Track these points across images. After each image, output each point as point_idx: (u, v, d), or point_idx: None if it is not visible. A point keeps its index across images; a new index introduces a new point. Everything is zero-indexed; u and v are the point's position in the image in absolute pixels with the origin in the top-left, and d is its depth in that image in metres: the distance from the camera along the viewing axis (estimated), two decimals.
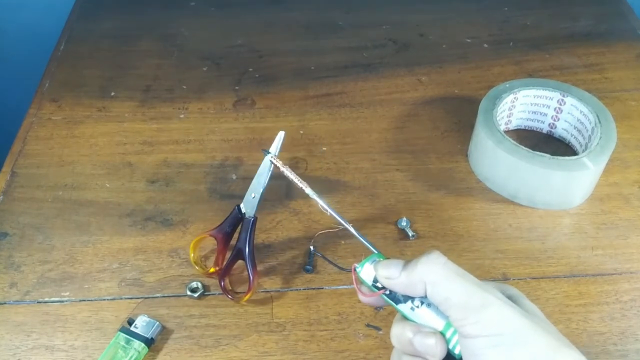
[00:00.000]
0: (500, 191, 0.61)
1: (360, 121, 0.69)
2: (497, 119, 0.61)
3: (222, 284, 0.52)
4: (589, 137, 0.61)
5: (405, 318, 0.36)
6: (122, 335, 0.48)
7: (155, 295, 0.53)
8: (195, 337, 0.50)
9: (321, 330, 0.50)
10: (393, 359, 0.37)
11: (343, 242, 0.56)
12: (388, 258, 0.38)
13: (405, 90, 0.73)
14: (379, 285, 0.36)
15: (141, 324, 0.49)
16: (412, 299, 0.35)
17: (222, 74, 0.76)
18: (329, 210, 0.43)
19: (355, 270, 0.38)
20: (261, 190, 0.52)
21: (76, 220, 0.59)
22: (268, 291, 0.53)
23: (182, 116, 0.70)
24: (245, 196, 0.53)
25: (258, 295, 0.53)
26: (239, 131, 0.68)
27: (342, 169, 0.64)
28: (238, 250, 0.52)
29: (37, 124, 0.69)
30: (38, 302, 0.52)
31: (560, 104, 0.64)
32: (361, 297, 0.38)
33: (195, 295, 0.52)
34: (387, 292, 0.36)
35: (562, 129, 0.65)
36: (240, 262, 0.52)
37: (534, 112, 0.66)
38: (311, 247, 0.50)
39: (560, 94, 0.63)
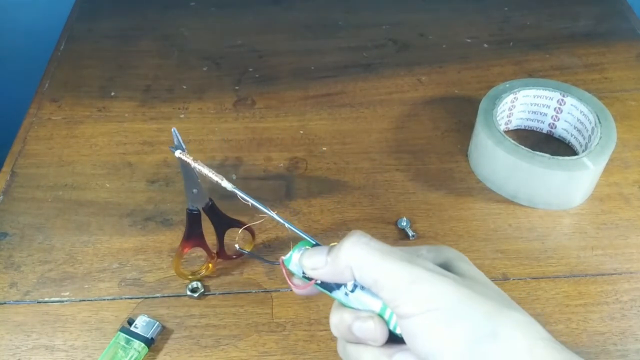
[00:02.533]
0: (500, 191, 0.61)
1: (360, 121, 0.69)
2: (497, 119, 0.61)
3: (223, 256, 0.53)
4: (589, 137, 0.61)
5: (342, 305, 0.34)
6: (122, 335, 0.48)
7: (155, 295, 0.53)
8: (195, 337, 0.50)
9: (321, 330, 0.50)
10: (338, 349, 0.35)
11: None
12: (318, 244, 0.35)
13: (405, 90, 0.73)
14: (308, 275, 0.34)
15: (141, 324, 0.49)
16: (345, 284, 0.33)
17: (222, 74, 0.76)
18: (250, 200, 0.39)
19: (283, 262, 0.35)
20: (198, 181, 0.49)
21: (76, 220, 0.59)
22: (268, 291, 0.53)
23: (182, 116, 0.70)
24: (188, 196, 0.50)
25: (258, 295, 0.53)
26: (239, 131, 0.68)
27: (342, 169, 0.64)
28: (225, 226, 0.52)
29: (37, 124, 0.69)
30: (38, 302, 0.52)
31: (560, 104, 0.64)
32: (294, 289, 0.36)
33: (195, 295, 0.52)
34: (319, 282, 0.34)
35: (562, 129, 0.65)
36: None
37: (534, 112, 0.66)
38: (236, 246, 0.48)
39: (560, 94, 0.63)
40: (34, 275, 0.54)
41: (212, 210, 0.51)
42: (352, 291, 0.33)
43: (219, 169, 0.64)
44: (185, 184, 0.49)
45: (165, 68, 0.77)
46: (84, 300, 0.52)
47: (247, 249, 0.54)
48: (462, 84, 0.74)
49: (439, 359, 0.29)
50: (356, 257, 0.32)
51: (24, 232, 0.58)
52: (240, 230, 0.53)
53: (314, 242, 0.35)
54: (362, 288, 0.33)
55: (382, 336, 0.32)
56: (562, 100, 0.63)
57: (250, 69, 0.77)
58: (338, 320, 0.33)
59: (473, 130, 0.63)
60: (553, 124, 0.66)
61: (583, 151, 0.61)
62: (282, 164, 0.64)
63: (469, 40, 0.81)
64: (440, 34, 0.82)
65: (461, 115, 0.69)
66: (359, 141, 0.67)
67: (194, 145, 0.66)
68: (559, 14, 0.85)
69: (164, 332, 0.50)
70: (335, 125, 0.69)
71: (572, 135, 0.65)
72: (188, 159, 0.46)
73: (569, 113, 0.64)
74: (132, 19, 0.85)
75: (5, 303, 0.52)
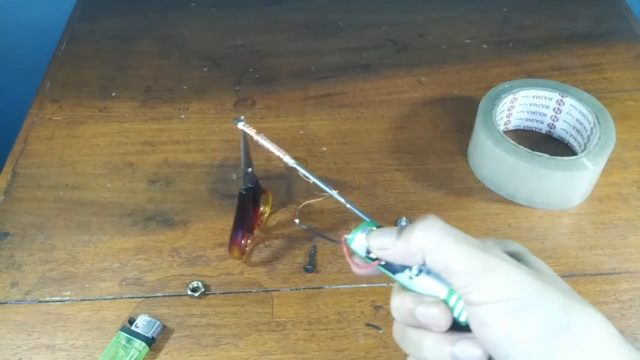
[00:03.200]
0: (500, 191, 0.61)
1: (360, 121, 0.69)
2: (497, 119, 0.61)
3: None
4: (588, 137, 0.61)
5: (404, 288, 0.34)
6: (123, 334, 0.49)
7: (156, 295, 0.53)
8: (196, 336, 0.50)
9: (321, 330, 0.50)
10: (396, 332, 0.34)
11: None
12: (381, 226, 0.35)
13: (405, 90, 0.74)
14: (372, 255, 0.34)
15: (142, 324, 0.49)
16: (410, 267, 0.33)
17: (222, 74, 0.76)
18: (312, 178, 0.39)
19: (345, 241, 0.35)
20: (251, 163, 0.52)
21: (77, 220, 0.59)
22: (268, 290, 0.53)
23: (182, 116, 0.70)
24: (243, 175, 0.53)
25: (258, 294, 0.53)
26: (240, 131, 0.68)
27: (342, 169, 0.64)
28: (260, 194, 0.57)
29: (38, 124, 0.69)
30: (39, 302, 0.53)
31: (559, 104, 0.64)
32: (355, 269, 0.35)
33: (196, 294, 0.52)
34: (383, 263, 0.34)
35: (561, 129, 0.65)
36: None
37: (533, 113, 0.66)
38: (296, 221, 0.48)
39: (559, 94, 0.63)
40: (35, 275, 0.54)
41: (257, 185, 0.55)
42: (417, 275, 0.33)
43: (220, 169, 0.64)
44: (243, 165, 0.51)
45: (165, 68, 0.77)
46: (85, 300, 0.53)
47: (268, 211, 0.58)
48: (461, 85, 0.74)
49: (508, 348, 0.29)
50: (429, 241, 0.31)
51: (25, 232, 0.58)
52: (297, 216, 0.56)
53: (377, 224, 0.35)
54: (428, 273, 0.32)
55: (447, 322, 0.31)
56: (561, 100, 0.64)
57: (251, 70, 0.77)
58: (400, 303, 0.33)
59: (472, 131, 0.63)
60: (552, 124, 0.66)
61: (582, 151, 0.61)
62: (282, 164, 0.64)
63: (468, 41, 0.81)
64: (440, 35, 0.82)
65: (461, 116, 0.69)
66: (359, 141, 0.67)
67: (195, 145, 0.66)
68: (558, 15, 0.85)
69: (165, 332, 0.50)
70: (335, 125, 0.69)
71: (571, 135, 0.65)
72: (251, 131, 0.47)
73: (568, 113, 0.64)
74: (133, 20, 0.85)
75: (6, 302, 0.53)
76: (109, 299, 0.53)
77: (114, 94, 0.73)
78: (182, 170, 0.64)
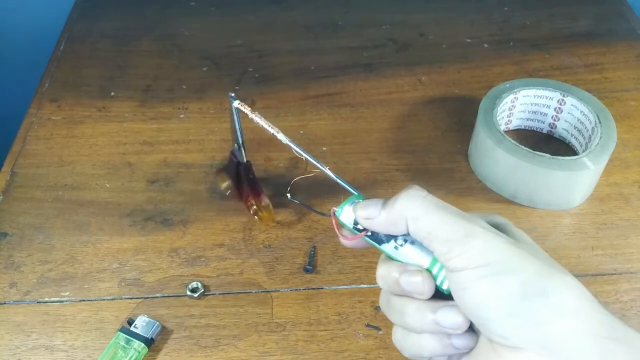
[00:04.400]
0: (500, 191, 0.61)
1: (360, 121, 0.69)
2: (497, 119, 0.61)
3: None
4: (589, 137, 0.61)
5: (390, 258, 0.35)
6: (122, 335, 0.48)
7: (155, 295, 0.53)
8: (195, 337, 0.50)
9: (321, 330, 0.50)
10: (382, 301, 0.36)
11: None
12: (367, 198, 0.36)
13: (406, 90, 0.73)
14: (360, 227, 0.35)
15: (141, 324, 0.49)
16: (395, 237, 0.34)
17: (222, 74, 0.76)
18: (304, 154, 0.41)
19: (334, 213, 0.36)
20: (241, 140, 0.53)
21: (76, 220, 0.59)
22: (268, 291, 0.53)
23: (182, 116, 0.70)
24: (235, 152, 0.55)
25: (258, 295, 0.53)
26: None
27: (342, 169, 0.64)
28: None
29: (37, 123, 0.69)
30: (38, 302, 0.52)
31: (561, 104, 0.64)
32: (343, 240, 0.36)
33: (195, 295, 0.52)
34: (369, 234, 0.35)
35: (562, 129, 0.65)
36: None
37: (534, 112, 0.66)
38: (288, 195, 0.48)
39: (561, 93, 0.63)
40: (34, 275, 0.54)
41: (248, 170, 0.56)
42: (402, 245, 0.34)
43: (220, 169, 0.64)
44: (236, 140, 0.52)
45: (165, 68, 0.77)
46: (84, 300, 0.52)
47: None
48: (462, 84, 0.74)
49: (486, 312, 0.30)
50: (412, 209, 0.32)
51: (24, 232, 0.58)
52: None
53: (365, 198, 0.36)
54: (412, 243, 0.34)
55: (429, 290, 0.33)
56: (563, 100, 0.63)
57: (250, 69, 0.77)
58: (386, 273, 0.34)
59: (473, 130, 0.63)
60: (553, 123, 0.66)
61: (583, 151, 0.61)
62: (282, 164, 0.64)
63: (469, 40, 0.81)
64: (441, 34, 0.82)
65: (461, 115, 0.69)
66: (359, 141, 0.67)
67: (194, 145, 0.66)
68: (559, 14, 0.85)
69: (164, 332, 0.50)
70: (335, 125, 0.69)
71: (572, 135, 0.65)
72: (246, 109, 0.47)
73: (569, 113, 0.64)
74: (132, 19, 0.85)
75: (5, 303, 0.52)
76: (108, 299, 0.53)
77: (112, 93, 0.73)
78: (182, 170, 0.64)
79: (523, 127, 0.68)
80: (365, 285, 0.53)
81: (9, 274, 0.54)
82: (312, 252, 0.55)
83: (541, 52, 0.78)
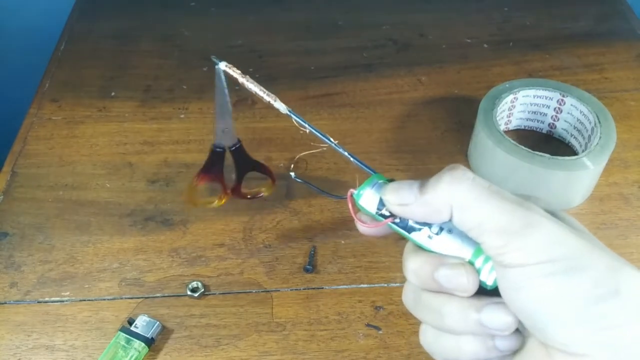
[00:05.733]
0: None
1: (360, 121, 0.69)
2: (497, 119, 0.61)
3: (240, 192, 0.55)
4: (589, 137, 0.61)
5: (420, 248, 0.30)
6: (123, 335, 0.48)
7: (155, 295, 0.53)
8: (196, 336, 0.50)
9: (321, 330, 0.50)
10: (407, 297, 0.31)
11: (343, 241, 0.57)
12: (390, 179, 0.31)
13: (405, 90, 0.73)
14: (384, 212, 0.30)
15: (141, 324, 0.49)
16: (429, 225, 0.29)
17: None
18: (308, 126, 0.36)
19: (351, 196, 0.31)
20: (230, 120, 0.44)
21: (76, 220, 0.59)
22: (268, 291, 0.53)
23: (182, 116, 0.70)
24: (216, 132, 0.47)
25: (258, 295, 0.53)
26: (239, 131, 0.67)
27: (342, 169, 0.64)
28: (248, 167, 0.54)
29: (38, 124, 0.69)
30: (38, 302, 0.52)
31: (560, 104, 0.64)
32: (362, 227, 0.31)
33: (196, 295, 0.52)
34: (397, 220, 0.30)
35: (562, 129, 0.65)
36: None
37: (534, 112, 0.66)
38: (292, 174, 0.44)
39: (560, 94, 0.63)
40: (34, 275, 0.54)
41: (239, 152, 0.50)
42: (437, 234, 0.29)
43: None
44: (217, 120, 0.44)
45: (165, 68, 0.77)
46: (84, 300, 0.53)
47: (266, 194, 0.57)
48: (462, 84, 0.74)
49: (547, 316, 0.26)
50: (459, 195, 0.28)
51: (24, 232, 0.58)
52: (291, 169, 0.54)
53: (388, 179, 0.32)
54: (450, 231, 0.29)
55: (474, 286, 0.28)
56: (562, 100, 0.63)
57: (250, 69, 0.77)
58: (418, 266, 0.29)
59: (473, 130, 0.63)
60: (553, 124, 0.66)
61: (583, 151, 0.61)
62: (282, 164, 0.64)
63: (469, 41, 0.81)
64: (440, 34, 0.82)
65: (461, 116, 0.69)
66: (359, 141, 0.67)
67: (195, 145, 0.66)
68: (559, 14, 0.85)
69: (164, 332, 0.50)
70: (335, 125, 0.69)
71: (572, 135, 0.65)
72: (235, 72, 0.40)
73: (568, 113, 0.64)
74: (132, 19, 0.85)
75: (5, 303, 0.52)
76: (108, 299, 0.53)
77: (113, 93, 0.73)
78: (182, 170, 0.64)
79: (523, 127, 0.68)
80: (365, 285, 0.53)
81: (9, 274, 0.54)
82: (312, 252, 0.56)
83: (541, 53, 0.78)
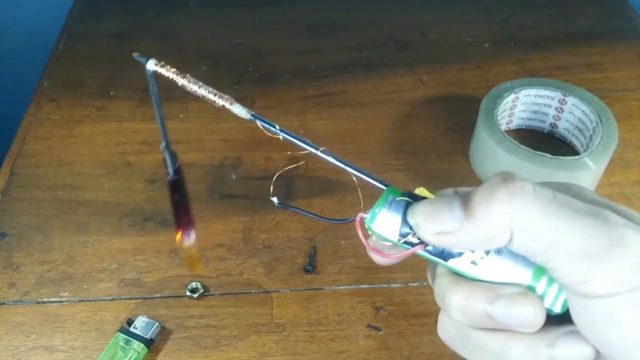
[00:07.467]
0: None
1: (360, 121, 0.69)
2: (498, 118, 0.60)
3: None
4: (591, 136, 0.61)
5: (458, 275, 0.24)
6: (122, 335, 0.48)
7: (154, 296, 0.53)
8: (195, 337, 0.50)
9: (321, 331, 0.50)
10: (448, 334, 0.25)
11: (343, 242, 0.56)
12: (407, 192, 0.24)
13: (406, 89, 0.73)
14: (411, 239, 0.24)
15: (140, 325, 0.49)
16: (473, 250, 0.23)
17: (221, 73, 0.76)
18: (280, 132, 0.29)
19: (361, 222, 0.25)
20: (165, 138, 0.34)
21: (75, 221, 0.59)
22: (268, 291, 0.53)
23: (181, 116, 0.70)
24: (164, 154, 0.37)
25: (258, 295, 0.53)
26: (239, 131, 0.68)
27: (342, 169, 0.63)
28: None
29: (36, 123, 0.69)
30: (37, 303, 0.52)
31: (562, 104, 0.64)
32: (379, 259, 0.25)
33: (195, 295, 0.52)
34: (429, 248, 0.24)
35: (564, 128, 0.65)
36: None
37: (535, 112, 0.66)
38: (274, 199, 0.38)
39: (562, 93, 0.63)
40: (33, 276, 0.54)
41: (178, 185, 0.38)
42: (483, 258, 0.23)
43: (219, 168, 0.63)
44: (162, 137, 0.34)
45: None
46: (83, 301, 0.52)
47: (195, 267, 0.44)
48: (462, 84, 0.73)
49: None
50: (520, 215, 0.22)
51: (23, 233, 0.58)
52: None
53: (404, 192, 0.24)
54: (498, 252, 0.23)
55: (542, 319, 0.23)
56: (564, 99, 0.63)
57: (250, 69, 0.76)
58: (464, 302, 0.23)
59: (474, 130, 0.63)
60: (554, 123, 0.65)
61: (584, 151, 0.61)
62: (282, 164, 0.64)
63: (469, 40, 0.80)
64: (441, 34, 0.81)
65: (462, 115, 0.69)
66: (359, 141, 0.67)
67: (194, 145, 0.66)
68: (560, 14, 0.85)
69: (164, 333, 0.50)
70: (335, 124, 0.68)
71: (573, 135, 0.64)
72: (169, 72, 0.29)
73: (570, 113, 0.63)
74: (132, 19, 0.85)
75: (4, 303, 0.52)
76: (107, 299, 0.52)
77: (112, 93, 0.73)
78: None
79: (524, 127, 0.67)
80: (366, 286, 0.53)
81: (8, 274, 0.54)
82: (312, 252, 0.55)
83: (542, 52, 0.78)
